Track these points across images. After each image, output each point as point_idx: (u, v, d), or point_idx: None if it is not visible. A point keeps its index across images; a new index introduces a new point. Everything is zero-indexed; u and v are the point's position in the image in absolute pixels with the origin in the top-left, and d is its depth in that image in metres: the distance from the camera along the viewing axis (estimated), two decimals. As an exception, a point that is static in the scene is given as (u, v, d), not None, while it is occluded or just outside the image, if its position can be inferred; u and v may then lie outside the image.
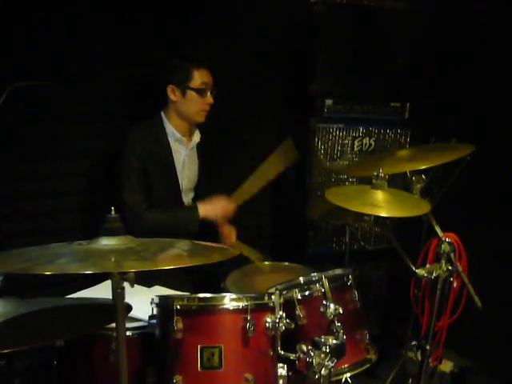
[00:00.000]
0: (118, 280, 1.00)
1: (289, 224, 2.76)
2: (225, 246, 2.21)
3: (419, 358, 2.05)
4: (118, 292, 1.09)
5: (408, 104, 2.56)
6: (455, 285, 1.83)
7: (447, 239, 1.80)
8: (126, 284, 1.08)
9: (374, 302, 2.71)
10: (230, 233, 2.27)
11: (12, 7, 1.93)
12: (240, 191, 2.17)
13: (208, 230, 2.19)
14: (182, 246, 1.10)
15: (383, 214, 1.49)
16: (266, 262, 2.18)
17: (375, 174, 1.57)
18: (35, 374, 1.69)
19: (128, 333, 1.47)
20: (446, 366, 2.47)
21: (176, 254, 1.04)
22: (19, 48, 1.97)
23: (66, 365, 1.51)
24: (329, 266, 2.53)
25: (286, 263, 2.20)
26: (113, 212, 1.08)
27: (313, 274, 1.81)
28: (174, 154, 2.17)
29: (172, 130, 2.15)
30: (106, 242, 1.03)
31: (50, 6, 2.01)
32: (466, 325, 1.94)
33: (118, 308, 1.08)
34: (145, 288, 1.73)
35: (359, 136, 2.51)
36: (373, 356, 1.59)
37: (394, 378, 2.30)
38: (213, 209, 2.13)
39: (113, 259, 0.93)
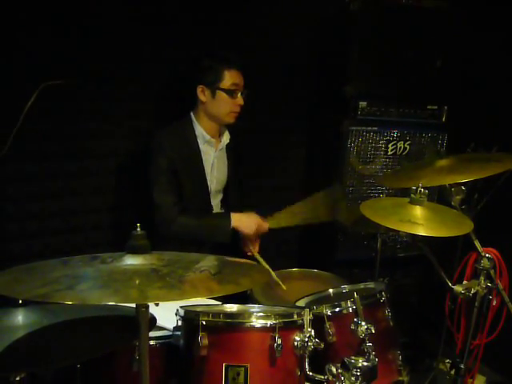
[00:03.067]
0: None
1: (318, 228, 2.69)
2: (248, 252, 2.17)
3: (451, 372, 1.98)
4: (142, 311, 1.05)
5: (446, 107, 2.46)
6: (494, 303, 1.74)
7: (487, 254, 1.71)
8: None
9: (404, 310, 2.64)
10: (253, 242, 2.18)
11: (42, 5, 1.92)
12: (278, 216, 2.12)
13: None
14: (211, 266, 1.05)
15: (422, 233, 1.41)
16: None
17: (414, 188, 1.48)
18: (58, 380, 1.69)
19: (151, 342, 1.44)
20: (479, 381, 2.38)
21: (204, 280, 0.98)
22: (48, 47, 1.96)
23: (90, 373, 1.49)
24: (358, 273, 2.52)
25: (315, 270, 2.15)
26: (138, 228, 1.03)
27: (343, 286, 1.78)
28: (202, 156, 2.13)
29: (201, 131, 2.11)
30: (131, 262, 0.99)
31: (79, 5, 1.99)
32: (500, 338, 1.85)
33: (141, 328, 1.04)
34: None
35: (394, 139, 2.43)
36: (405, 378, 1.53)
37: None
38: (246, 221, 2.07)
39: (137, 282, 0.88)
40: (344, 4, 2.28)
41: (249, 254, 2.19)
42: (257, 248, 2.18)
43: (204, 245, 2.11)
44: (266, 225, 2.10)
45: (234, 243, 2.17)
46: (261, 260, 2.14)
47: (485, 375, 2.40)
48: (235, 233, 2.09)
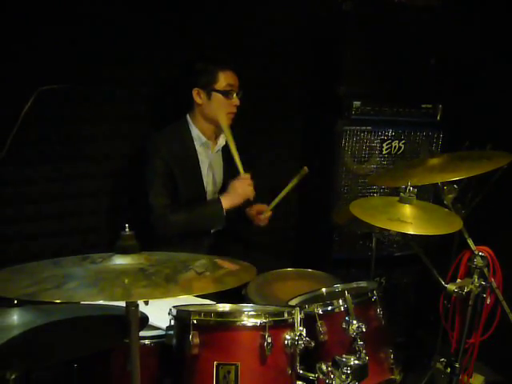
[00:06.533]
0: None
1: (314, 227, 2.71)
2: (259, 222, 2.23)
3: (448, 370, 1.98)
4: (132, 309, 1.06)
5: (440, 106, 2.46)
6: (488, 301, 1.74)
7: (480, 253, 1.71)
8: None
9: (401, 309, 2.64)
10: (260, 210, 2.23)
11: (37, 10, 1.94)
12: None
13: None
14: (197, 266, 1.07)
15: (411, 232, 1.41)
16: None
17: (403, 187, 1.49)
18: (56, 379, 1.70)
19: (146, 341, 1.46)
20: (477, 380, 2.37)
21: (190, 279, 1.00)
22: (45, 51, 1.98)
23: (86, 372, 1.51)
24: (354, 272, 2.53)
25: (310, 270, 2.15)
26: (127, 229, 1.05)
27: (336, 286, 1.79)
28: (199, 158, 2.15)
29: (198, 133, 2.12)
30: (119, 262, 1.01)
31: (75, 9, 2.01)
32: (498, 337, 1.85)
33: (132, 326, 1.06)
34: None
35: (388, 139, 2.43)
36: (397, 376, 1.53)
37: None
38: (234, 196, 2.09)
39: (126, 281, 0.90)
40: (337, 4, 2.29)
41: (263, 220, 2.22)
42: (268, 212, 2.22)
43: (201, 243, 2.14)
44: (247, 179, 2.11)
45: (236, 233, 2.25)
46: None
47: (484, 374, 2.40)
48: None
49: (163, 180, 2.04)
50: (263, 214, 2.21)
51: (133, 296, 0.89)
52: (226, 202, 2.08)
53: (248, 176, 2.11)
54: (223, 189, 2.27)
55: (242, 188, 2.10)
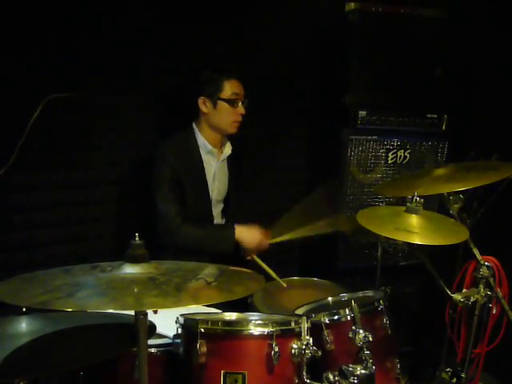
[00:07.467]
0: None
1: (319, 236, 2.70)
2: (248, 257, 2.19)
3: (454, 381, 1.97)
4: (141, 318, 1.07)
5: (446, 116, 2.48)
6: (494, 311, 1.74)
7: (486, 263, 1.72)
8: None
9: (407, 319, 2.64)
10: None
11: (46, 18, 1.96)
12: (278, 226, 2.11)
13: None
14: (207, 274, 1.08)
15: (417, 242, 1.42)
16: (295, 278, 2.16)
17: (410, 197, 1.50)
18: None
19: (152, 350, 1.46)
20: (482, 390, 2.36)
21: (200, 288, 1.01)
22: (53, 60, 2.00)
23: (93, 380, 1.51)
24: (359, 281, 2.52)
25: (315, 279, 2.16)
26: (137, 238, 1.06)
27: (342, 295, 1.79)
28: (205, 166, 2.16)
29: (203, 141, 2.14)
30: (129, 270, 1.01)
31: (84, 17, 2.04)
32: (504, 347, 1.85)
33: (140, 335, 1.06)
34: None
35: (394, 148, 2.44)
36: (404, 386, 1.53)
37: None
38: (248, 235, 2.09)
39: (136, 290, 0.91)
40: (343, 14, 2.31)
41: (248, 258, 2.21)
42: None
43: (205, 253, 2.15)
44: (266, 241, 2.10)
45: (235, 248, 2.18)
46: (260, 262, 2.16)
47: (488, 384, 2.38)
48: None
49: (171, 187, 2.04)
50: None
51: (144, 305, 0.90)
52: (239, 232, 2.07)
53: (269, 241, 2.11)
54: (227, 196, 2.29)
55: (260, 241, 2.08)
